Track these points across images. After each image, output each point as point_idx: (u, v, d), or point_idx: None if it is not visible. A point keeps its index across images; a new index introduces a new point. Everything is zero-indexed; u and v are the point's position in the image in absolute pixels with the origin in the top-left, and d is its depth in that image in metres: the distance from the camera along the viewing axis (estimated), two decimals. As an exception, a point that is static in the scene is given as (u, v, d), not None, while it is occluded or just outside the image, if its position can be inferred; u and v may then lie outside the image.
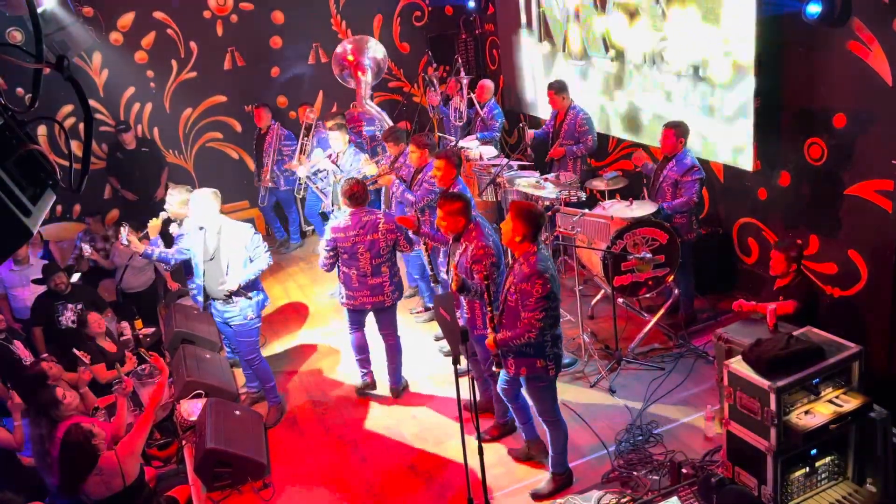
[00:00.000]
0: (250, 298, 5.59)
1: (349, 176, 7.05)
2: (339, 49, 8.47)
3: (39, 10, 6.25)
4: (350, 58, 8.41)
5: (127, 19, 8.88)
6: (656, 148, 6.51)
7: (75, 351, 5.63)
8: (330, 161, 7.30)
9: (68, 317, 6.45)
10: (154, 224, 6.03)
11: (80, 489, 4.30)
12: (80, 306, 6.46)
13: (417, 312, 7.23)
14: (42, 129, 8.34)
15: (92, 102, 7.84)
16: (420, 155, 6.37)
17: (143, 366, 5.91)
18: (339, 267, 5.73)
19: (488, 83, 8.64)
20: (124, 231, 5.57)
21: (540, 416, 4.66)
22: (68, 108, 8.35)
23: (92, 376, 5.53)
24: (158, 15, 9.00)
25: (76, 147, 8.03)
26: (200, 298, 5.64)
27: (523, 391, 4.69)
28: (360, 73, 8.44)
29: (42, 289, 6.66)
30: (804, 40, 5.40)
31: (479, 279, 4.65)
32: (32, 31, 1.98)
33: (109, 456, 4.35)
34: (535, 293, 4.16)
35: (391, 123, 8.60)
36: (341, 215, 5.83)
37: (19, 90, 7.45)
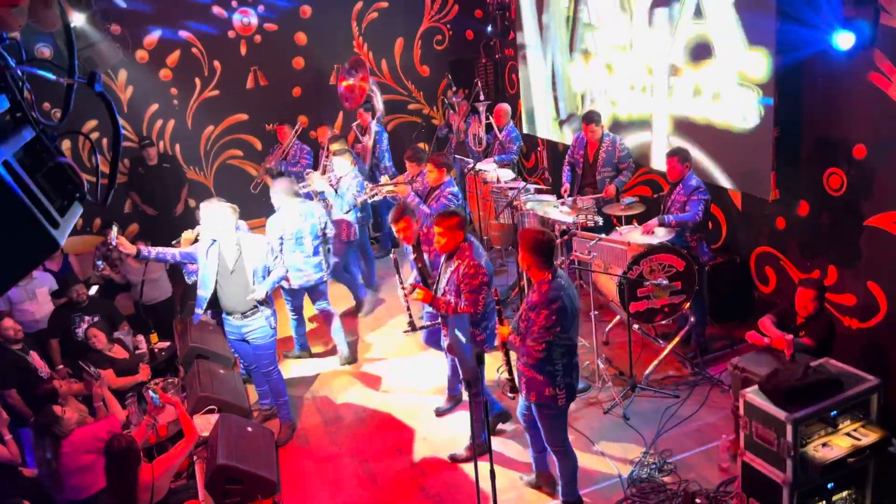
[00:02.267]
0: (269, 305, 5.71)
1: (346, 201, 7.15)
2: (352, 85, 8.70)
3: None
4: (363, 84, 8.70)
5: (153, 37, 9.04)
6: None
7: (81, 364, 5.67)
8: (329, 185, 7.34)
9: (84, 329, 6.50)
10: (187, 236, 6.10)
11: (135, 492, 4.30)
12: (96, 318, 6.51)
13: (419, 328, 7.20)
14: (66, 143, 8.47)
15: (116, 118, 7.95)
16: (438, 174, 6.53)
17: (157, 381, 5.93)
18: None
19: (505, 107, 8.70)
20: (114, 232, 5.56)
21: (548, 445, 4.61)
22: (93, 122, 8.48)
23: (105, 391, 5.56)
24: (184, 34, 9.16)
25: (102, 161, 8.15)
26: (199, 311, 5.70)
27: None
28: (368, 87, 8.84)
29: (48, 303, 6.71)
30: (824, 71, 5.40)
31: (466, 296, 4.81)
32: (65, 47, 2.03)
33: (146, 468, 4.38)
34: (539, 322, 4.14)
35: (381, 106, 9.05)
36: (283, 210, 6.58)
37: (46, 105, 7.57)
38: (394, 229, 5.74)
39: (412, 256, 5.84)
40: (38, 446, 4.91)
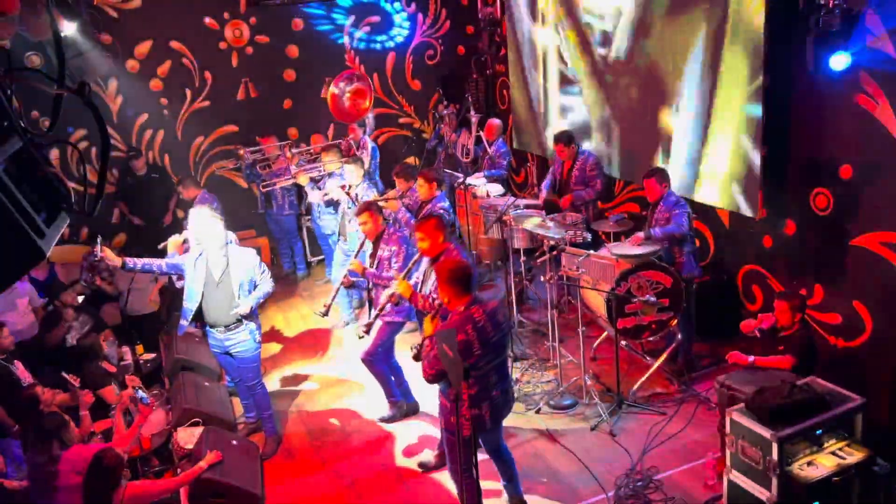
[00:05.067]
0: (256, 321, 5.67)
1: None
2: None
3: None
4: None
5: (144, 47, 9.02)
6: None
7: (64, 375, 5.60)
8: (343, 192, 7.32)
9: (73, 336, 6.44)
10: (175, 241, 6.07)
11: None
12: (86, 327, 6.47)
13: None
14: (55, 152, 8.41)
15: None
16: (429, 188, 6.62)
17: (144, 394, 5.87)
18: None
19: (497, 122, 8.74)
20: (98, 244, 5.53)
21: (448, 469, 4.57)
22: (81, 132, 8.44)
23: (94, 400, 5.49)
24: (175, 44, 9.15)
25: (90, 171, 8.11)
26: (185, 322, 5.65)
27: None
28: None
29: (28, 314, 6.64)
30: (812, 92, 5.45)
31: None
32: (55, 56, 2.02)
33: (120, 490, 4.30)
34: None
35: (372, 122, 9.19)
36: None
37: (34, 113, 7.54)
38: (357, 221, 5.88)
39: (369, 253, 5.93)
40: (35, 452, 4.80)
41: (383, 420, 6.11)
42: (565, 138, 7.29)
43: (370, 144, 8.96)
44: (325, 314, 5.93)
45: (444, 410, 4.40)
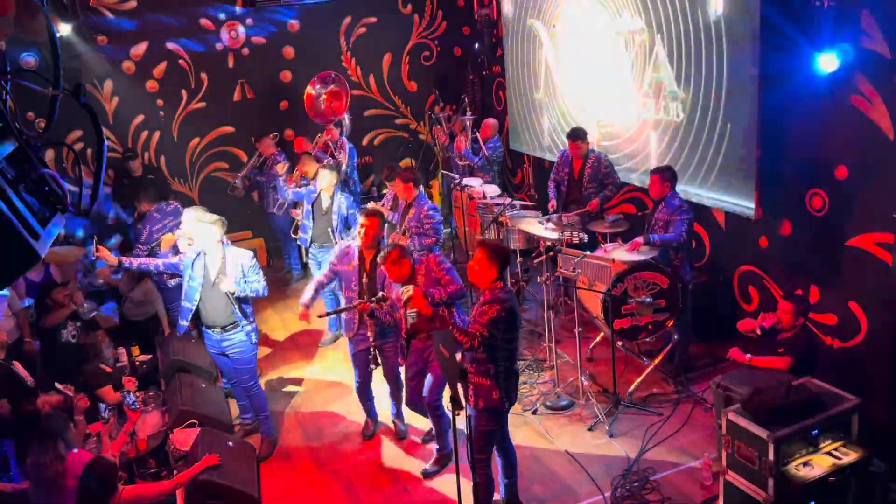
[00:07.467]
0: (250, 321, 5.63)
1: (342, 215, 7.10)
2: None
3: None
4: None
5: (140, 49, 9.02)
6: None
7: (58, 385, 5.58)
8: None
9: (69, 332, 6.43)
10: (167, 238, 6.05)
11: None
12: (78, 324, 6.45)
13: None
14: (49, 153, 8.40)
15: (101, 128, 7.89)
16: (405, 188, 6.66)
17: (137, 394, 5.86)
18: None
19: (492, 121, 8.74)
20: (93, 245, 5.52)
21: (475, 452, 4.44)
22: (77, 133, 8.43)
23: (88, 404, 5.47)
24: (171, 46, 9.14)
25: (85, 172, 8.12)
26: (185, 323, 5.66)
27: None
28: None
29: (8, 318, 6.60)
30: (807, 93, 5.46)
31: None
32: (51, 58, 2.02)
33: (114, 496, 4.28)
34: (490, 314, 4.21)
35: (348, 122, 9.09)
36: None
37: (30, 114, 7.52)
38: (362, 220, 5.45)
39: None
40: (39, 452, 4.77)
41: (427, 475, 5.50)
42: (582, 134, 7.15)
43: (348, 145, 8.91)
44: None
45: (485, 388, 4.38)
